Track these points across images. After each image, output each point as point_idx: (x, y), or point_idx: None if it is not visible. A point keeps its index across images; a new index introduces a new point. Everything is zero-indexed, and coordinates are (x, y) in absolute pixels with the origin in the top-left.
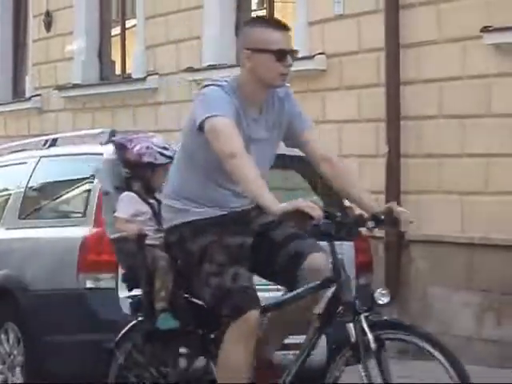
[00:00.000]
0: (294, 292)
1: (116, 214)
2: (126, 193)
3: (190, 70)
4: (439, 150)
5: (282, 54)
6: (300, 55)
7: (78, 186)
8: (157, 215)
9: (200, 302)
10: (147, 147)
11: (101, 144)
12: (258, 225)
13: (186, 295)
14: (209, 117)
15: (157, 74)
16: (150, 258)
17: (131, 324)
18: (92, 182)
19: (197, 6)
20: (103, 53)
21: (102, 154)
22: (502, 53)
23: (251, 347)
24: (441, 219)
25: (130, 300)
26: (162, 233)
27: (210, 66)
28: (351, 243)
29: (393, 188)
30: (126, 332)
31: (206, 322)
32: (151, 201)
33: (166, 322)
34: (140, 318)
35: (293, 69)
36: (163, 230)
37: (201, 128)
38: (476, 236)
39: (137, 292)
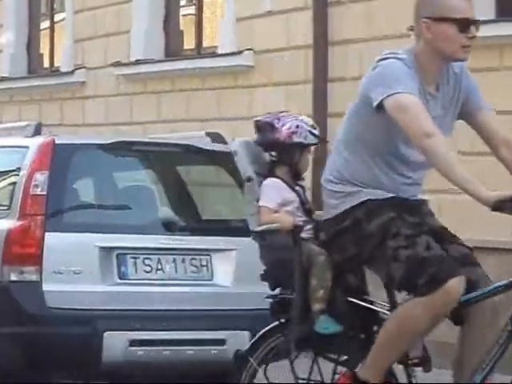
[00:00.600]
0: (485, 289)
1: (261, 204)
2: (270, 179)
3: (118, 64)
4: None
5: (466, 24)
6: (228, 51)
7: (3, 179)
8: (304, 204)
9: (361, 303)
10: (297, 126)
11: (27, 137)
12: (428, 224)
13: (344, 295)
14: (392, 94)
15: (84, 67)
16: (306, 254)
17: (269, 327)
18: (18, 175)
19: (126, 1)
20: (32, 46)
21: (27, 147)
22: None
23: (437, 323)
24: None
25: (270, 300)
26: (311, 224)
27: (137, 60)
28: None
29: (319, 184)
30: (263, 336)
31: (368, 325)
32: (297, 188)
33: (326, 325)
34: (282, 321)
35: (220, 65)
36: (313, 220)
37: (379, 106)
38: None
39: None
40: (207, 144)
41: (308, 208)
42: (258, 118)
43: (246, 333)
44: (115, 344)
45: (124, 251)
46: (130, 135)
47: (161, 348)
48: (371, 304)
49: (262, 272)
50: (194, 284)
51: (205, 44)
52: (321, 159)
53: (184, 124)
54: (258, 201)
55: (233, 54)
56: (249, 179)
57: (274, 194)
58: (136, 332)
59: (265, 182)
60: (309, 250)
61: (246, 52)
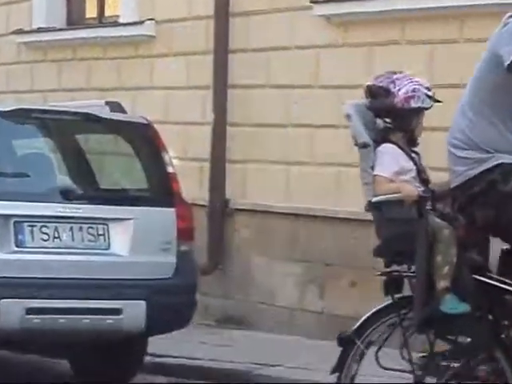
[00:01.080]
0: None
1: (377, 173)
2: (386, 145)
3: (20, 32)
4: (266, 120)
5: None
6: (129, 21)
7: None
8: (420, 173)
9: (489, 281)
10: (414, 89)
11: None
12: None
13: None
14: None
15: None
16: (430, 228)
17: (379, 308)
18: None
19: None
20: None
21: None
22: (330, 24)
23: None
24: (266, 189)
25: (384, 278)
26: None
27: (39, 28)
28: (173, 209)
29: (218, 156)
30: (372, 316)
31: (498, 305)
32: (413, 155)
33: (454, 305)
34: (396, 300)
35: (121, 34)
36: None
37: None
38: (300, 207)
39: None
40: (106, 113)
41: (425, 177)
42: (371, 83)
43: (143, 302)
44: (12, 312)
45: (21, 219)
46: (30, 103)
47: (57, 316)
48: (499, 282)
49: (376, 247)
50: (90, 253)
51: (107, 13)
52: (221, 133)
53: (84, 93)
54: (372, 169)
55: (134, 23)
56: (364, 145)
57: (391, 161)
58: (32, 300)
59: (380, 149)
60: (433, 223)
61: (148, 22)
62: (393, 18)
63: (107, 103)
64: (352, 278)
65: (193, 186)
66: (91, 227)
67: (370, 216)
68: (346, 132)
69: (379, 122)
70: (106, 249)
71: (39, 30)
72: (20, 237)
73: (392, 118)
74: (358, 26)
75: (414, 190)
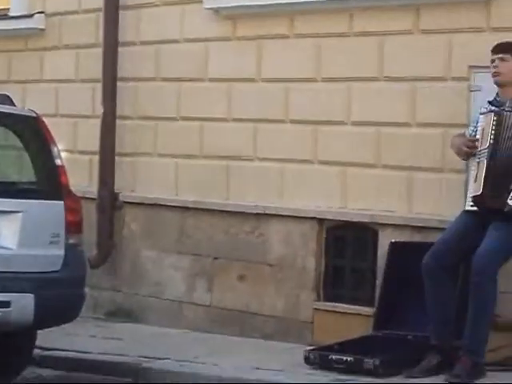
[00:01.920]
0: None
1: None
2: None
3: None
4: (155, 113)
5: None
6: (19, 14)
7: None
8: None
9: None
10: None
11: None
12: None
13: None
14: None
15: None
16: None
17: None
18: None
19: None
20: None
21: None
22: (219, 17)
23: None
24: (155, 182)
25: None
26: None
27: None
28: (61, 202)
29: (108, 149)
30: None
31: None
32: None
33: None
34: None
35: (11, 27)
36: None
37: None
38: (189, 200)
39: None
40: None
41: None
42: None
43: (31, 295)
44: None
45: None
46: None
47: None
48: None
49: None
50: None
51: None
52: (110, 126)
53: None
54: None
55: (24, 16)
56: None
57: None
58: None
59: None
60: None
61: (38, 15)
62: (281, 11)
63: None
64: (240, 271)
65: (82, 179)
66: None
67: (257, 209)
68: (235, 125)
69: None
70: None
71: None
72: None
73: None
74: (247, 19)
75: None
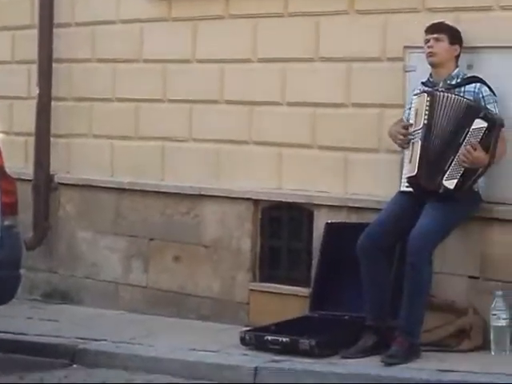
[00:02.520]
0: None
1: None
2: None
3: None
4: (90, 94)
5: None
6: None
7: None
8: None
9: None
10: None
11: None
12: None
13: None
14: None
15: None
16: None
17: None
18: None
19: None
20: None
21: None
22: None
23: None
24: (91, 163)
25: None
26: None
27: None
28: None
29: (43, 130)
30: None
31: None
32: None
33: None
34: None
35: None
36: None
37: None
38: (124, 181)
39: None
40: None
41: None
42: None
43: None
44: None
45: None
46: None
47: None
48: None
49: None
50: None
51: None
52: (46, 108)
53: None
54: None
55: None
56: None
57: None
58: None
59: None
60: None
61: None
62: None
63: None
64: (176, 252)
65: (18, 161)
66: None
67: (193, 190)
68: (170, 106)
69: None
70: None
71: None
72: None
73: None
74: (182, 0)
75: None
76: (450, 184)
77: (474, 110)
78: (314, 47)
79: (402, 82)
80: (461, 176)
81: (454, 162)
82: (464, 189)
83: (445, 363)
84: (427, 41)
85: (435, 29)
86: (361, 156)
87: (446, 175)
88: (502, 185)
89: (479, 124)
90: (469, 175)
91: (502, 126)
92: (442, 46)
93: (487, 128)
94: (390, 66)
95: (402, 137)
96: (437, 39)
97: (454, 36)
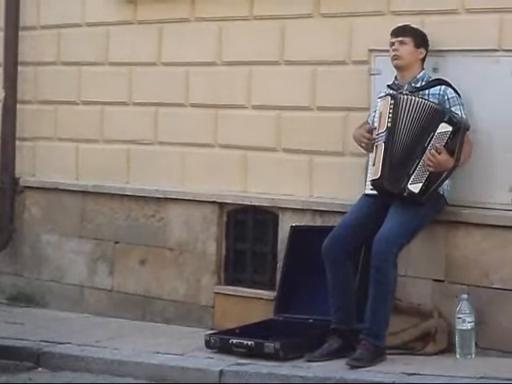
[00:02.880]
0: None
1: None
2: None
3: None
4: (56, 97)
5: None
6: None
7: None
8: None
9: None
10: None
11: None
12: None
13: None
14: None
15: None
16: None
17: None
18: None
19: None
20: None
21: None
22: (121, 1)
23: None
24: (56, 166)
25: None
26: None
27: None
28: None
29: (8, 133)
30: None
31: None
32: None
33: None
34: None
35: None
36: None
37: None
38: (89, 184)
39: None
40: None
41: None
42: None
43: None
44: None
45: None
46: None
47: None
48: None
49: None
50: None
51: None
52: (11, 111)
53: None
54: None
55: None
56: None
57: None
58: None
59: None
60: None
61: None
62: None
63: None
64: (141, 255)
65: None
66: None
67: (158, 193)
68: (136, 109)
69: None
70: None
71: None
72: None
73: None
74: (147, 2)
75: None
76: (415, 188)
77: (439, 113)
78: (280, 50)
79: (367, 85)
80: (426, 180)
81: (418, 166)
82: (429, 193)
83: (410, 366)
84: (392, 44)
85: (400, 32)
86: (326, 159)
87: (411, 179)
88: (467, 188)
89: (444, 128)
90: (434, 179)
91: (467, 129)
92: (407, 48)
93: (452, 132)
94: (355, 69)
95: (366, 140)
96: (402, 42)
97: (419, 39)
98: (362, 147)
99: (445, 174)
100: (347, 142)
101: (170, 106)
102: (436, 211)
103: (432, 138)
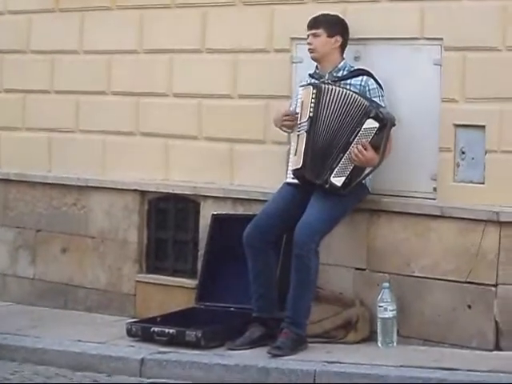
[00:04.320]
0: None
1: None
2: None
3: None
4: None
5: None
6: None
7: None
8: None
9: None
10: None
11: None
12: None
13: None
14: None
15: None
16: None
17: None
18: None
19: None
20: None
21: None
22: None
23: None
24: None
25: None
26: None
27: None
28: None
29: None
30: None
31: None
32: None
33: None
34: None
35: None
36: None
37: None
38: (11, 172)
39: None
40: None
41: None
42: None
43: None
44: None
45: None
46: None
47: None
48: None
49: None
50: None
51: None
52: None
53: None
54: None
55: None
56: None
57: None
58: None
59: None
60: None
61: None
62: None
63: None
64: (63, 244)
65: None
66: None
67: (80, 182)
68: (58, 97)
69: None
70: None
71: None
72: None
73: None
74: None
75: None
76: (338, 181)
77: (365, 107)
78: (201, 38)
79: (289, 73)
80: (349, 174)
81: (342, 160)
82: (351, 186)
83: (331, 355)
84: (307, 37)
85: (312, 24)
86: (247, 147)
87: (334, 172)
88: (388, 176)
89: (371, 124)
90: (357, 173)
91: (394, 125)
92: (320, 40)
93: (379, 128)
94: (276, 57)
95: (287, 122)
96: (314, 35)
97: (333, 28)
98: (282, 128)
99: (369, 169)
100: (269, 130)
101: (92, 94)
102: (358, 200)
103: (358, 133)
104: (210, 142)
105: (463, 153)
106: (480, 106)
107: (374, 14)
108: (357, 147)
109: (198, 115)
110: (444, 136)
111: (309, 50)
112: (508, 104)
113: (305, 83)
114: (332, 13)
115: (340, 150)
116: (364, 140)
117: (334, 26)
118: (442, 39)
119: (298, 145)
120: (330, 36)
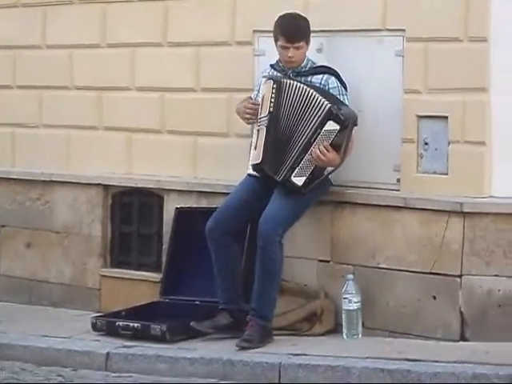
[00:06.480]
0: None
1: None
2: None
3: None
4: None
5: None
6: None
7: None
8: None
9: None
10: None
11: None
12: None
13: None
14: None
15: None
16: None
17: None
18: None
19: None
20: None
21: None
22: None
23: None
24: None
25: None
26: None
27: None
28: None
29: None
30: None
31: None
32: None
33: None
34: None
35: None
36: None
37: None
38: None
39: None
40: None
41: None
42: None
43: None
44: None
45: None
46: None
47: None
48: None
49: None
50: None
51: None
52: None
53: None
54: None
55: None
56: None
57: None
58: None
59: None
60: None
61: None
62: None
63: None
64: (28, 239)
65: None
66: None
67: (43, 176)
68: (20, 92)
69: None
70: None
71: None
72: None
73: None
74: None
75: None
76: (299, 181)
77: (326, 109)
78: (163, 32)
79: (252, 66)
80: (310, 174)
81: (303, 161)
82: (311, 186)
83: (296, 347)
84: (286, 48)
85: (295, 39)
86: (210, 140)
87: (295, 172)
88: (352, 168)
89: (332, 126)
90: (318, 173)
91: (355, 124)
92: (302, 51)
93: (339, 130)
94: (238, 50)
95: (249, 110)
96: (297, 48)
97: (309, 35)
98: (245, 119)
99: (330, 169)
100: (232, 124)
101: (55, 89)
102: (321, 192)
103: (319, 134)
104: (173, 135)
105: (426, 144)
106: (442, 97)
107: (337, 5)
108: (318, 148)
109: (161, 109)
110: (407, 127)
111: (287, 61)
112: (470, 95)
113: (267, 74)
114: (298, 13)
115: (301, 150)
116: (326, 142)
117: (309, 32)
118: (404, 30)
119: (257, 139)
120: (308, 43)
